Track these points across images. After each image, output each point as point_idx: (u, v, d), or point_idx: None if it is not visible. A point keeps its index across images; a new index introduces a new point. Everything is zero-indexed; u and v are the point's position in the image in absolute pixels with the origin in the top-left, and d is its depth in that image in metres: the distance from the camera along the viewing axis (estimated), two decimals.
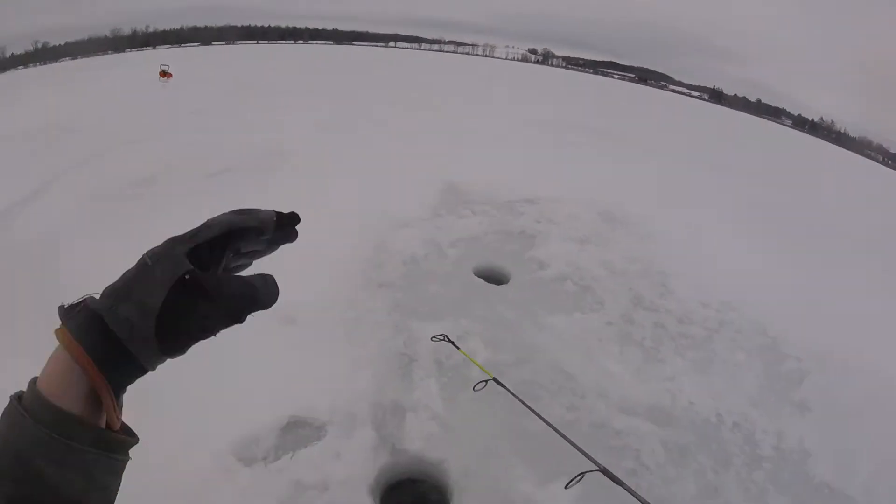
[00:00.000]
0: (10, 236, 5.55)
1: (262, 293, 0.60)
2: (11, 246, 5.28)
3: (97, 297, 0.56)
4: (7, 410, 0.53)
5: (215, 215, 0.64)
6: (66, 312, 0.55)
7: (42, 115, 11.57)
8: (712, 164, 11.58)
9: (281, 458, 3.17)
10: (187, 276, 0.56)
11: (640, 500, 1.71)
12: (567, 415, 3.68)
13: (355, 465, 3.16)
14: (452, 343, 3.12)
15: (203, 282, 0.57)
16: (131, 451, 0.56)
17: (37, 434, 0.51)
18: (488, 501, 3.03)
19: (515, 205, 6.98)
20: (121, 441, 0.56)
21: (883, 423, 3.98)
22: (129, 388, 0.56)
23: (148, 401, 3.31)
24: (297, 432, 3.35)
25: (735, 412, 3.94)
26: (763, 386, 4.27)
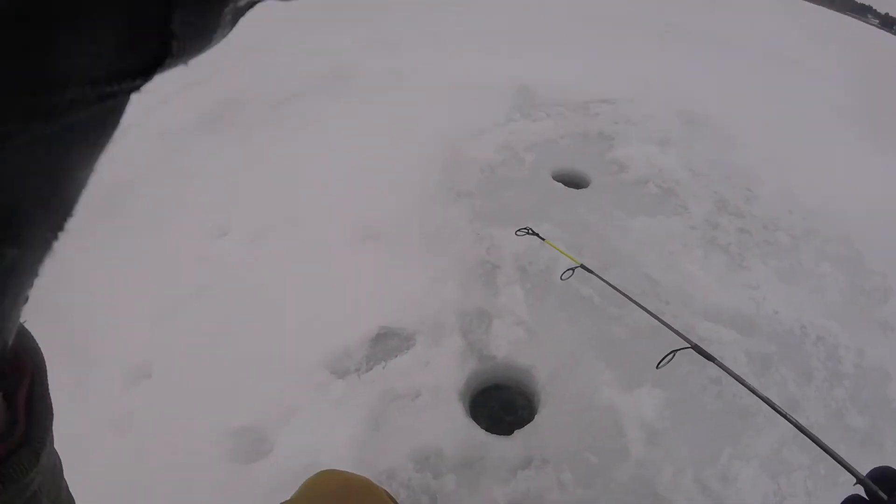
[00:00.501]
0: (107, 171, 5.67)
1: None
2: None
3: None
4: None
5: None
6: None
7: None
8: (794, 64, 10.80)
9: (373, 368, 3.26)
10: None
11: (734, 377, 1.72)
12: (651, 321, 3.62)
13: (444, 372, 3.25)
14: (537, 235, 3.09)
15: None
16: None
17: None
18: (574, 406, 3.09)
19: (591, 105, 6.69)
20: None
21: None
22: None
23: (232, 323, 3.45)
24: (387, 343, 3.43)
25: (818, 325, 3.84)
26: (847, 300, 4.13)
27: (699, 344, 3.50)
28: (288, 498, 1.15)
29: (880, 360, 3.65)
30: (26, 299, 0.31)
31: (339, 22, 11.02)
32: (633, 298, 2.38)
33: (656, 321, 3.66)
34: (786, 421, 3.15)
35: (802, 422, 3.17)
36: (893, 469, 0.95)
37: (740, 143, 6.18)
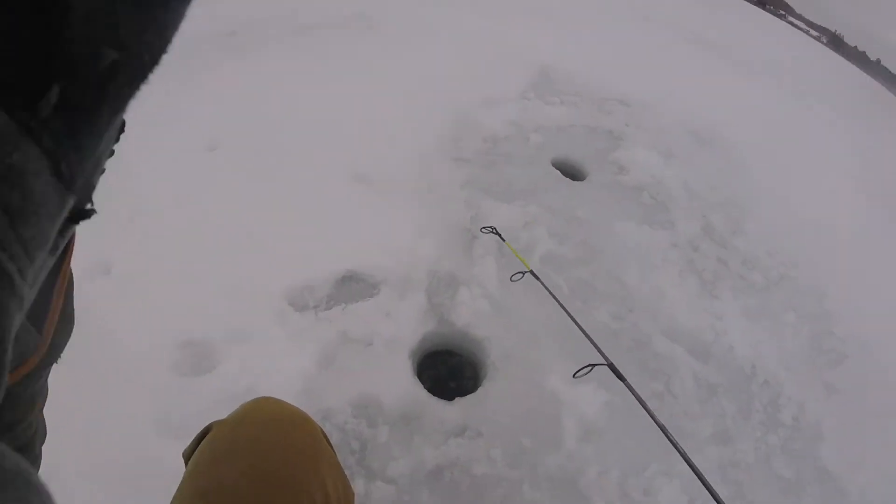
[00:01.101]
0: None
1: None
2: None
3: None
4: None
5: None
6: None
7: None
8: (819, 112, 10.79)
9: (332, 308, 3.25)
10: None
11: (638, 400, 1.85)
12: (612, 323, 3.69)
13: (402, 327, 3.24)
14: (499, 235, 3.10)
15: None
16: None
17: None
18: (519, 387, 3.12)
19: (606, 102, 6.66)
20: None
21: None
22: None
23: (203, 237, 3.39)
24: (352, 286, 3.42)
25: (769, 370, 3.91)
26: (803, 354, 4.19)
27: (646, 355, 3.59)
28: (222, 418, 1.15)
29: (817, 420, 3.73)
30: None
31: None
32: (570, 313, 2.41)
33: (616, 324, 3.71)
34: (713, 450, 3.23)
35: (730, 455, 3.27)
36: None
37: (745, 173, 6.22)
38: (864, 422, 3.89)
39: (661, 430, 1.66)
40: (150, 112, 4.57)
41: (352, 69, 5.87)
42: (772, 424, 3.58)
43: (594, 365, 1.95)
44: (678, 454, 3.14)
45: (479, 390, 3.09)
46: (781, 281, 4.75)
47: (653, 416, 1.74)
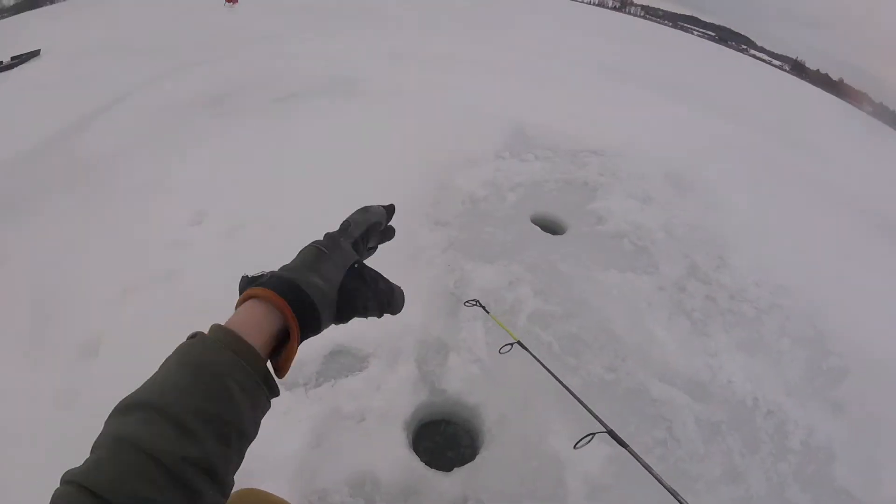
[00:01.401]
0: (82, 148, 5.72)
1: (398, 298, 0.89)
2: (81, 157, 5.45)
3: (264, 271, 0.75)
4: (195, 342, 0.65)
5: (350, 214, 0.88)
6: (251, 280, 0.74)
7: (105, 35, 11.55)
8: (791, 141, 11.03)
9: (322, 385, 3.25)
10: (356, 265, 0.80)
11: (643, 465, 1.78)
12: (606, 375, 3.67)
13: (394, 399, 3.23)
14: (483, 308, 3.12)
15: (366, 272, 0.81)
16: None
17: (231, 359, 0.63)
18: (519, 451, 3.07)
19: (580, 154, 6.81)
20: (275, 386, 0.70)
21: None
22: None
23: (191, 314, 3.43)
24: (341, 361, 3.42)
25: (770, 399, 3.89)
26: (803, 378, 4.19)
27: (644, 403, 3.55)
28: None
29: (828, 440, 3.69)
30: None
31: (351, 28, 11.08)
32: (561, 381, 2.38)
33: (611, 376, 3.70)
34: (725, 490, 3.17)
35: (742, 492, 3.20)
36: None
37: (723, 211, 6.31)
38: (877, 433, 3.85)
39: (672, 494, 1.62)
40: (136, 185, 4.66)
41: (330, 134, 6.04)
42: (781, 453, 3.52)
43: (594, 434, 1.93)
44: (689, 501, 3.09)
45: (478, 458, 3.04)
46: (771, 309, 4.77)
47: (660, 480, 1.70)
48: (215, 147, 5.44)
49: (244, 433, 0.63)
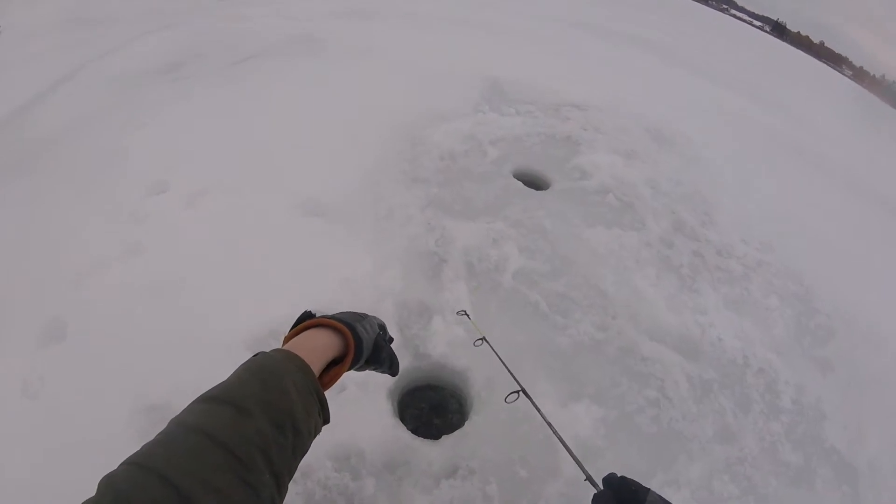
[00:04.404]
0: (33, 128, 5.38)
1: (396, 364, 1.23)
2: (33, 137, 5.12)
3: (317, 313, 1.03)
4: (268, 356, 0.82)
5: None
6: (309, 315, 1.06)
7: (59, 7, 11.07)
8: (769, 101, 10.97)
9: None
10: (380, 331, 1.16)
11: (554, 433, 1.86)
12: (597, 334, 3.53)
13: None
14: (470, 319, 2.97)
15: (382, 341, 1.15)
16: None
17: (292, 365, 0.80)
18: (508, 416, 2.91)
19: (562, 109, 6.59)
20: (326, 405, 0.86)
21: None
22: None
23: (157, 290, 3.20)
24: None
25: (761, 357, 3.80)
26: (791, 336, 4.11)
27: (635, 361, 3.43)
28: None
29: (817, 399, 3.64)
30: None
31: None
32: (525, 389, 2.23)
33: (601, 335, 3.55)
34: (719, 450, 3.07)
35: (736, 452, 3.11)
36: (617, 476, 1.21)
37: (705, 165, 6.18)
38: (861, 392, 3.83)
39: (580, 468, 1.48)
40: (94, 159, 4.40)
41: (295, 96, 5.76)
42: (773, 412, 3.46)
43: (518, 392, 2.13)
44: (683, 462, 2.98)
45: (467, 424, 2.90)
46: (759, 267, 4.67)
47: (570, 453, 1.60)
48: (173, 115, 5.15)
49: (298, 430, 0.71)
